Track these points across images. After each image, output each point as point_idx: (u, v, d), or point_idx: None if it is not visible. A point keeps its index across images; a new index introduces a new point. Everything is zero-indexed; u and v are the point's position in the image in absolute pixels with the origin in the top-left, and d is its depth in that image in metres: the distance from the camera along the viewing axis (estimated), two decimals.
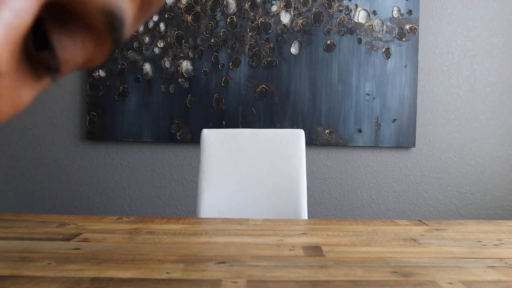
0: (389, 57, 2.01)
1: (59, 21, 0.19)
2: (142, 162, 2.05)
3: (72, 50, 0.19)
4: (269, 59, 2.00)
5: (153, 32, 2.00)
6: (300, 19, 2.00)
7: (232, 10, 2.00)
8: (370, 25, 2.01)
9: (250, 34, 2.00)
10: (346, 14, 2.01)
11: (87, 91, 2.01)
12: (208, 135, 1.31)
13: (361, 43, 2.01)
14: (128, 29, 0.21)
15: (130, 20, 0.21)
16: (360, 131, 2.02)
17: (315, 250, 0.68)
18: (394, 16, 2.01)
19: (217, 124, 2.00)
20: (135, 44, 2.00)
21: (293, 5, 2.00)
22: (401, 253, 0.67)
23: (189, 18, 2.00)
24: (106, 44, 0.20)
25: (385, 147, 2.05)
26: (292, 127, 2.00)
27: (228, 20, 2.00)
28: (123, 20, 0.20)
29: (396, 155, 2.07)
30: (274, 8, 2.00)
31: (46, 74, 0.20)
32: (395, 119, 2.02)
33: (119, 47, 0.21)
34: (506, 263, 0.62)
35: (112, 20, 0.19)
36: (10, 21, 0.16)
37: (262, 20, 2.00)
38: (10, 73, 0.17)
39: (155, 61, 2.00)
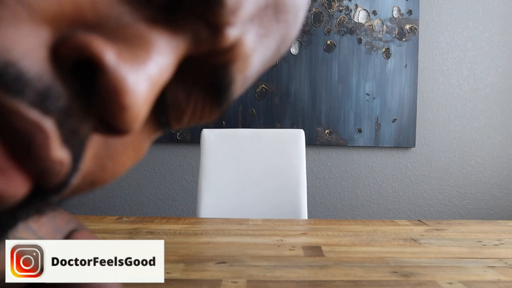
0: (389, 57, 2.01)
1: (179, 77, 0.18)
2: (142, 162, 2.05)
3: (183, 109, 0.19)
4: None
5: None
6: None
7: None
8: (370, 25, 2.01)
9: None
10: (346, 14, 2.01)
11: None
12: (208, 135, 1.31)
13: (361, 43, 2.01)
14: (239, 90, 0.20)
15: (241, 81, 0.20)
16: (360, 131, 2.02)
17: (315, 250, 0.68)
18: (394, 16, 2.01)
19: (217, 124, 2.00)
20: None
21: None
22: (401, 253, 0.67)
23: None
24: (213, 105, 0.20)
25: (385, 147, 2.05)
26: (292, 127, 1.99)
27: None
28: (230, 82, 0.19)
29: (396, 155, 2.07)
30: None
31: (159, 128, 0.20)
32: (395, 119, 2.01)
33: (224, 109, 0.21)
34: (506, 263, 0.62)
35: (218, 79, 0.18)
36: (155, 76, 0.15)
37: None
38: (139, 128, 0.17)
39: None
